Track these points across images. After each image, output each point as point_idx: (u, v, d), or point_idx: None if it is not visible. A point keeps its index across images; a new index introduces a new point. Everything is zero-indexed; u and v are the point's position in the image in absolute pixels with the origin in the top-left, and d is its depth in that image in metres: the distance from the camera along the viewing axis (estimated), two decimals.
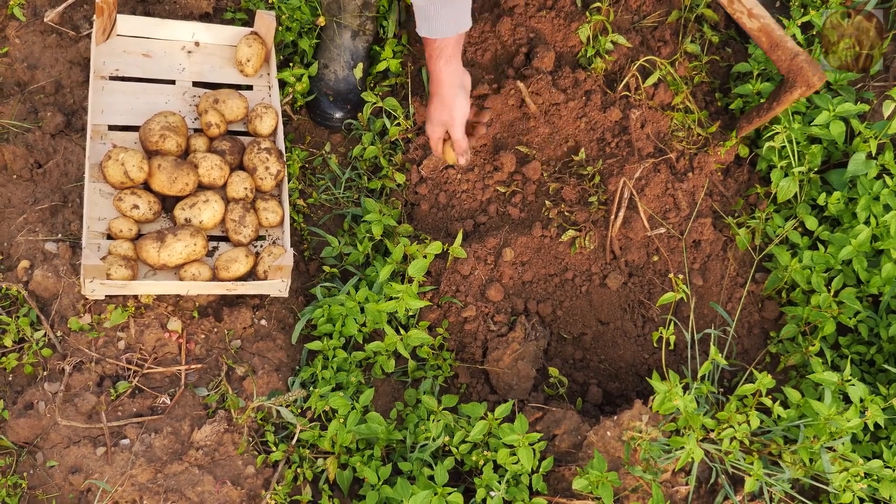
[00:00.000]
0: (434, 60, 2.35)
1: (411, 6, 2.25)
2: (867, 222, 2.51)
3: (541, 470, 2.18)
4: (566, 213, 2.57)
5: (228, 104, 2.58)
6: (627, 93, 2.66)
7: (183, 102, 2.62)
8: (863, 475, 2.11)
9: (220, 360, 2.35)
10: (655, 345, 2.53)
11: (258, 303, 2.48)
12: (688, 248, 2.59)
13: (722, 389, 2.47)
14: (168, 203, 2.46)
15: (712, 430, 2.15)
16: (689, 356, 2.40)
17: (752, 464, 2.11)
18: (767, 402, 2.17)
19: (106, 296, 2.32)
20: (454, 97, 2.42)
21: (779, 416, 2.22)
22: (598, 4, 2.67)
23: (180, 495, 2.11)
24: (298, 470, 2.23)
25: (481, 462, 2.19)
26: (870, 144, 2.56)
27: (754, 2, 2.46)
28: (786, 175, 2.62)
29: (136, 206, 2.36)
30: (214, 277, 2.36)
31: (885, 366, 2.40)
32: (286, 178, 2.55)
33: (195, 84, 2.67)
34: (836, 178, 2.63)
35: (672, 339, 2.22)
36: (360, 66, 2.80)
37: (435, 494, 2.10)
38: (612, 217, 2.52)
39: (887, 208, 2.51)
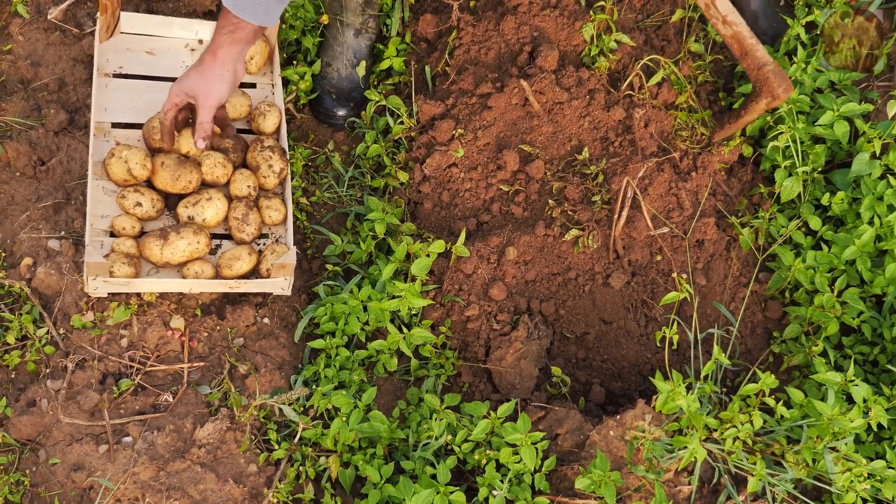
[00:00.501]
0: (222, 32, 2.19)
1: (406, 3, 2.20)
2: (871, 222, 2.51)
3: (543, 469, 2.18)
4: (569, 213, 2.56)
5: (232, 102, 2.58)
6: (631, 92, 2.66)
7: None
8: (866, 475, 2.11)
9: (223, 358, 2.35)
10: (658, 344, 2.53)
11: (261, 301, 2.47)
12: (691, 248, 2.59)
13: (725, 389, 2.47)
14: (171, 201, 2.46)
15: (715, 430, 2.15)
16: (692, 356, 2.39)
17: (754, 464, 2.11)
18: (770, 402, 2.17)
19: (109, 293, 2.32)
20: (220, 77, 2.25)
21: (782, 417, 2.22)
22: (601, 3, 2.67)
23: (182, 493, 2.11)
24: (301, 468, 2.23)
25: (484, 461, 2.19)
26: (874, 144, 2.55)
27: (730, 8, 2.50)
28: (789, 175, 2.61)
29: (140, 204, 2.36)
30: (217, 275, 2.36)
31: (889, 366, 2.39)
32: (289, 177, 2.55)
33: None
34: (840, 178, 2.63)
35: (675, 338, 2.21)
36: (363, 64, 2.80)
37: (437, 493, 2.10)
38: (616, 216, 2.51)
39: (891, 208, 2.50)
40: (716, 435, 2.14)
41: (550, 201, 2.59)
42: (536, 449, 2.15)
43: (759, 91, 2.46)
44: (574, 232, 2.51)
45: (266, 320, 2.45)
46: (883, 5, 2.74)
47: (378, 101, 2.75)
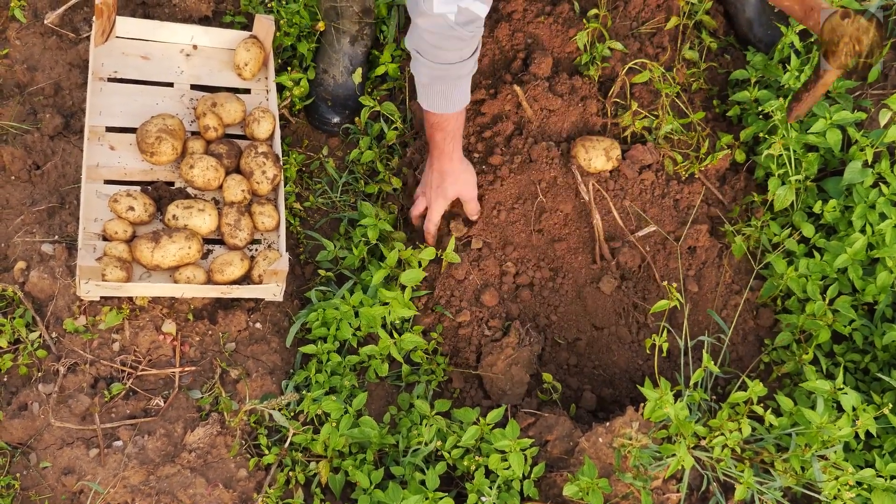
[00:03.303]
0: (437, 133, 2.38)
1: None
2: (863, 231, 2.51)
3: (532, 475, 2.18)
4: (561, 219, 2.57)
5: (226, 107, 2.59)
6: (620, 100, 2.66)
7: (181, 105, 2.63)
8: (854, 484, 2.11)
9: (214, 362, 2.36)
10: (649, 351, 2.53)
11: (253, 306, 2.48)
12: (683, 255, 2.59)
13: (715, 397, 2.47)
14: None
15: (704, 438, 2.15)
16: (682, 363, 2.40)
17: (743, 472, 2.11)
18: (759, 410, 2.17)
19: (101, 297, 2.33)
20: (466, 169, 2.49)
21: (771, 424, 2.22)
22: (596, 11, 2.68)
23: (172, 497, 2.12)
24: (291, 473, 2.23)
25: (473, 467, 2.19)
26: (866, 153, 2.55)
27: None
28: (783, 183, 2.62)
29: (132, 208, 2.37)
30: (209, 280, 2.37)
31: (880, 374, 2.39)
32: (282, 183, 2.55)
33: (193, 87, 2.68)
34: (833, 186, 2.63)
35: (665, 346, 2.22)
36: (359, 71, 2.80)
37: (426, 499, 2.10)
38: (592, 220, 2.52)
39: (883, 217, 2.50)
40: (704, 443, 2.14)
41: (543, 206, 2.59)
42: (525, 455, 2.16)
43: (836, 41, 2.28)
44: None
45: (258, 325, 2.45)
46: (877, 12, 2.74)
47: (372, 107, 2.76)
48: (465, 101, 2.33)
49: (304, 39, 2.84)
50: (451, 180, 2.47)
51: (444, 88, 2.27)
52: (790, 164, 2.60)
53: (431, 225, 2.54)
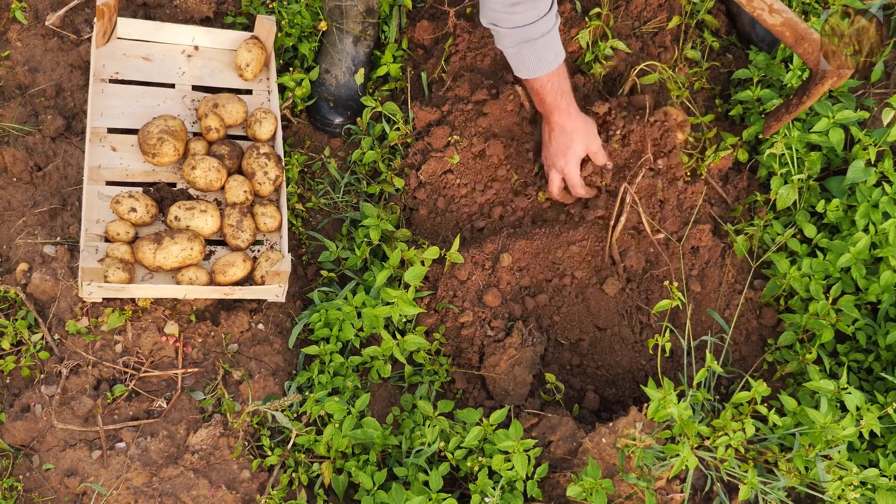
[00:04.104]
0: (547, 96, 2.36)
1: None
2: (866, 230, 2.50)
3: (535, 476, 2.18)
4: (565, 219, 2.56)
5: (228, 108, 2.59)
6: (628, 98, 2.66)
7: (182, 106, 2.63)
8: (858, 484, 2.10)
9: (217, 364, 2.36)
10: (652, 351, 2.53)
11: (255, 307, 2.48)
12: (686, 255, 2.59)
13: (719, 396, 2.47)
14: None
15: (708, 438, 2.14)
16: (685, 363, 2.39)
17: (746, 472, 2.11)
18: (763, 409, 2.16)
19: (103, 299, 2.33)
20: (587, 121, 2.45)
21: (774, 424, 2.21)
22: (598, 10, 2.67)
23: (175, 499, 2.12)
24: (294, 474, 2.23)
25: (476, 468, 2.19)
26: (869, 152, 2.55)
27: None
28: (785, 182, 2.61)
29: (134, 210, 2.37)
30: (212, 281, 2.36)
31: (883, 374, 2.39)
32: (284, 184, 2.55)
33: (195, 88, 2.68)
34: (836, 185, 2.62)
35: (668, 346, 2.21)
36: (362, 71, 2.80)
37: (430, 500, 2.10)
38: (613, 222, 2.52)
39: (886, 216, 2.50)
40: (708, 443, 2.14)
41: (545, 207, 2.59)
42: (529, 456, 2.16)
43: (823, 74, 2.37)
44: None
45: (260, 326, 2.45)
46: (878, 11, 2.74)
47: (374, 108, 2.75)
48: (560, 56, 2.29)
49: (305, 40, 2.84)
50: (578, 136, 2.42)
51: (534, 51, 2.24)
52: (793, 163, 2.59)
53: (580, 189, 2.50)
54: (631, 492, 2.12)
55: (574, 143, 2.43)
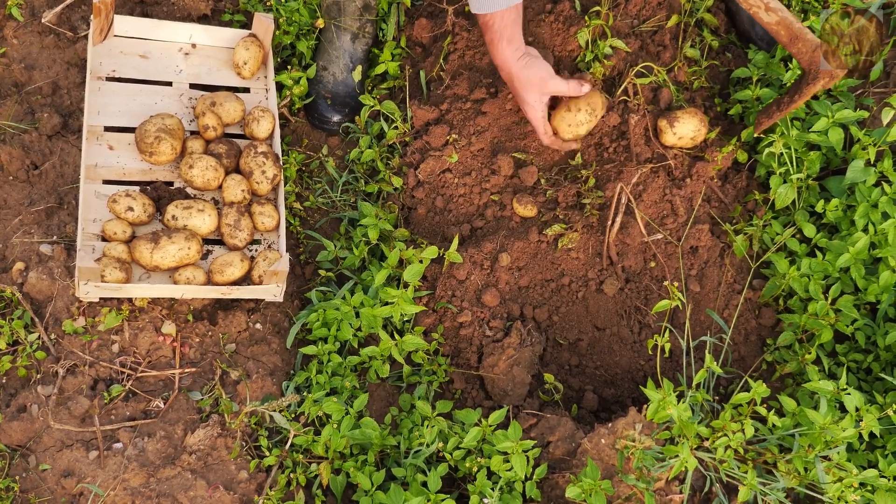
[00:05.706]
0: (495, 38, 2.32)
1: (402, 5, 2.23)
2: (865, 230, 2.50)
3: (534, 477, 2.18)
4: (561, 217, 2.56)
5: (225, 107, 2.57)
6: (626, 98, 2.65)
7: (180, 104, 2.62)
8: (857, 485, 2.10)
9: (215, 363, 2.35)
10: (651, 352, 2.52)
11: (253, 306, 2.47)
12: (685, 255, 2.58)
13: (718, 397, 2.46)
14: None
15: (707, 439, 2.14)
16: (684, 363, 2.39)
17: (746, 473, 2.10)
18: (762, 410, 2.16)
19: (100, 298, 2.31)
20: (528, 66, 2.38)
21: (774, 425, 2.21)
22: (597, 9, 2.66)
23: (173, 500, 2.11)
24: (292, 475, 2.22)
25: (475, 468, 2.18)
26: (868, 152, 2.54)
27: None
28: (784, 182, 2.61)
29: (131, 209, 2.36)
30: (209, 281, 2.35)
31: (882, 374, 2.39)
32: (282, 183, 2.54)
33: (192, 86, 2.67)
34: (835, 185, 2.62)
35: (667, 346, 2.21)
36: (360, 68, 2.79)
37: (428, 500, 2.10)
38: (610, 222, 2.51)
39: (885, 216, 2.49)
40: (707, 444, 2.13)
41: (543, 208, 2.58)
42: (527, 457, 2.15)
43: (816, 73, 2.37)
44: (556, 228, 2.49)
45: (258, 326, 2.44)
46: (878, 10, 2.73)
47: (372, 106, 2.74)
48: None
49: (303, 38, 2.83)
50: (530, 85, 2.40)
51: None
52: (792, 162, 2.59)
53: (544, 138, 2.50)
54: (630, 493, 2.11)
55: (524, 92, 2.41)
